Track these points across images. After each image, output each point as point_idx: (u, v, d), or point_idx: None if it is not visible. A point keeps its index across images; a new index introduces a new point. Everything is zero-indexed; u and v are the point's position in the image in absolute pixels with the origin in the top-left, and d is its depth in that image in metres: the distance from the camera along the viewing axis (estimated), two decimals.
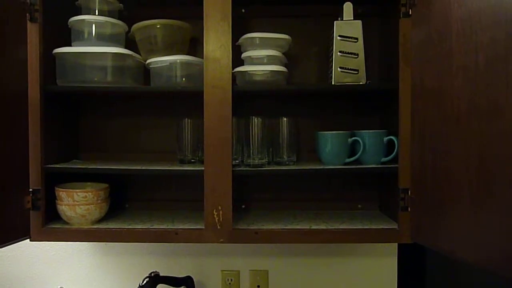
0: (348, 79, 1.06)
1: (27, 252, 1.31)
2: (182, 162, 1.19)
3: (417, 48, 0.96)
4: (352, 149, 1.10)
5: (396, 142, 1.03)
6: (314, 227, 1.05)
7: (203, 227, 1.02)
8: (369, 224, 1.07)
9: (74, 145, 1.27)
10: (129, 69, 1.11)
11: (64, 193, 1.04)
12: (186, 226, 1.05)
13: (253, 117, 1.07)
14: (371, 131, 1.09)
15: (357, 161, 1.10)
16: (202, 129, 1.01)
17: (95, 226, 1.06)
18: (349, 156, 1.09)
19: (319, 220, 1.12)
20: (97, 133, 1.29)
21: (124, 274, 1.31)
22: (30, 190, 1.01)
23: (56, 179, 1.09)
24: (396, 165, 1.01)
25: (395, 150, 1.03)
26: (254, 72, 1.06)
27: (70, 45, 1.09)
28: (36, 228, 1.03)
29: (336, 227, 1.04)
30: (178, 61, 1.09)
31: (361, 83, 1.06)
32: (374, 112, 1.24)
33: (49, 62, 1.05)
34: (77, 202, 1.04)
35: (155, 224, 1.08)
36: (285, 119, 1.14)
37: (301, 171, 1.07)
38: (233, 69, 1.05)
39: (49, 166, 1.05)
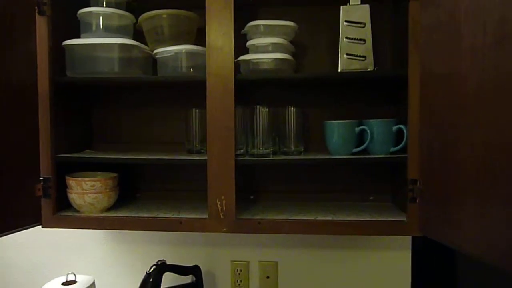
0: (355, 66, 1.02)
1: (41, 239, 1.36)
2: (190, 152, 1.19)
3: (426, 32, 0.91)
4: (361, 139, 1.07)
5: (405, 131, 0.99)
6: (320, 218, 1.02)
7: (207, 217, 1.02)
8: (378, 216, 1.04)
9: (88, 135, 1.30)
10: (136, 60, 1.12)
11: (73, 181, 1.07)
12: (191, 216, 1.06)
13: (258, 106, 1.06)
14: (379, 120, 1.05)
15: (365, 151, 1.06)
16: None
17: (103, 214, 1.08)
18: (357, 146, 1.06)
19: (327, 211, 1.10)
20: (110, 124, 1.31)
21: (134, 261, 1.33)
22: (41, 178, 1.05)
23: (68, 169, 1.12)
24: (405, 155, 0.97)
25: (404, 140, 0.99)
26: (258, 61, 1.05)
27: (79, 37, 1.11)
28: (47, 215, 1.06)
29: (342, 219, 1.01)
30: (183, 51, 1.09)
31: (368, 69, 1.02)
32: (384, 100, 1.19)
33: (59, 54, 1.08)
34: (86, 191, 1.07)
35: (161, 213, 1.09)
36: (292, 108, 1.11)
37: (305, 161, 1.04)
38: (238, 58, 1.05)
39: (60, 155, 1.08)
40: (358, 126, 1.05)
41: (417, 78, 0.94)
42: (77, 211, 1.10)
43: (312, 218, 1.02)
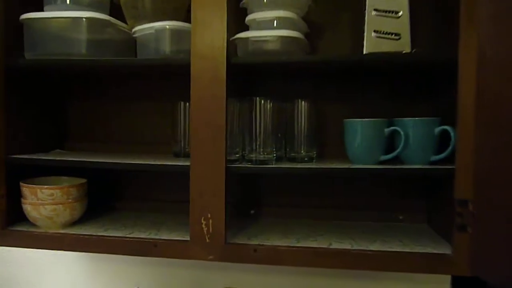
0: (386, 47, 0.77)
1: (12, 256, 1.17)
2: (176, 155, 0.97)
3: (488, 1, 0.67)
4: (391, 143, 0.82)
5: (452, 134, 0.74)
6: (334, 245, 0.78)
7: (189, 239, 0.80)
8: (411, 244, 0.79)
9: (61, 133, 1.09)
10: (110, 41, 0.91)
11: (27, 189, 0.86)
12: (171, 236, 0.83)
13: (259, 98, 0.82)
14: (417, 118, 0.80)
15: (396, 159, 0.82)
16: None
17: (62, 231, 0.87)
18: (386, 152, 0.81)
19: (345, 235, 0.86)
20: (87, 120, 1.10)
21: (114, 284, 1.12)
22: None
23: (33, 173, 0.91)
24: (451, 166, 0.72)
25: (451, 146, 0.74)
26: (259, 39, 0.81)
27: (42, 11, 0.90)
28: None
29: (364, 248, 0.77)
30: (167, 27, 0.86)
31: (404, 51, 0.77)
32: (423, 93, 0.94)
33: (17, 32, 0.87)
34: (42, 201, 0.86)
35: (135, 231, 0.87)
36: (302, 103, 0.88)
37: (315, 171, 0.80)
38: (235, 36, 0.82)
39: (13, 156, 0.88)
40: (388, 126, 0.81)
41: (472, 63, 0.69)
42: (34, 225, 0.89)
43: (324, 245, 0.79)
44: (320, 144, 0.97)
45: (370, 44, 0.78)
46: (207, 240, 0.79)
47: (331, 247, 0.78)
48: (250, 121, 0.82)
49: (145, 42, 0.90)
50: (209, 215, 0.78)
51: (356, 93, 0.98)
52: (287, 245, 0.79)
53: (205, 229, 0.79)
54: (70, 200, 0.88)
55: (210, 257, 0.79)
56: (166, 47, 0.88)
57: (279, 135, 0.89)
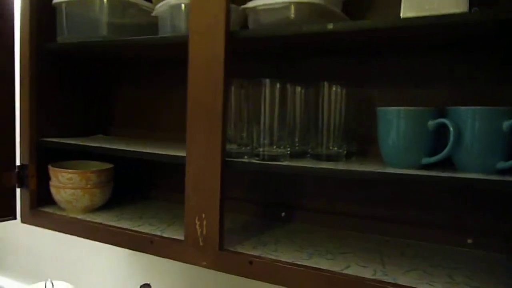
0: (429, 8, 0.56)
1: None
2: (230, 140, 0.88)
3: None
4: (438, 139, 0.60)
5: None
6: (350, 269, 0.61)
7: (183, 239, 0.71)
8: (482, 284, 0.57)
9: (105, 118, 1.10)
10: (133, 22, 0.87)
11: (52, 172, 0.88)
12: (176, 235, 0.76)
13: (268, 80, 0.68)
14: (476, 107, 0.56)
15: (447, 163, 0.60)
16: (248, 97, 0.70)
17: (80, 216, 0.86)
18: (431, 153, 0.60)
19: (376, 256, 0.67)
20: (133, 106, 1.09)
21: (117, 274, 1.10)
22: (18, 165, 0.88)
23: (72, 155, 0.93)
24: None
25: None
26: (269, 7, 0.67)
27: None
28: (24, 210, 0.89)
29: (389, 280, 0.58)
30: (182, 4, 0.78)
31: (455, 12, 0.55)
32: (483, 72, 0.68)
33: (50, 16, 0.89)
34: (63, 185, 0.86)
35: (146, 224, 0.82)
36: (326, 85, 0.70)
37: (331, 172, 0.63)
38: (245, 5, 0.70)
39: (43, 139, 0.90)
40: (434, 117, 0.59)
41: None
42: (60, 208, 0.91)
43: (338, 268, 0.62)
44: (362, 139, 0.79)
45: (408, 5, 0.57)
46: (201, 244, 0.69)
47: (344, 271, 0.61)
48: (258, 108, 0.69)
49: (164, 20, 0.82)
50: (203, 215, 0.68)
51: (395, 75, 0.76)
52: (291, 261, 0.64)
53: (199, 231, 0.69)
54: (89, 186, 0.87)
55: (204, 263, 0.69)
56: (182, 24, 0.79)
57: (301, 125, 0.74)
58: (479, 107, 0.56)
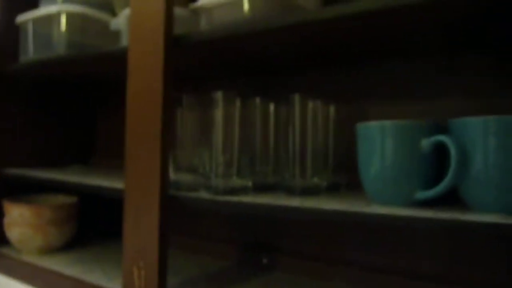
0: None
1: None
2: (177, 168, 0.76)
3: None
4: (437, 164, 0.43)
5: None
6: None
7: None
8: None
9: (87, 146, 1.01)
10: (96, 38, 0.78)
11: (5, 206, 0.78)
12: (114, 284, 0.62)
13: (219, 93, 0.54)
14: (490, 117, 0.39)
15: (453, 197, 0.42)
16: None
17: (30, 259, 0.75)
18: (428, 184, 0.43)
19: None
20: (116, 134, 0.99)
21: None
22: None
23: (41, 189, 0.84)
24: None
25: None
26: (217, 4, 0.54)
27: None
28: None
29: None
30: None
31: None
32: (494, 78, 0.50)
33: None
34: (13, 221, 0.76)
35: (98, 270, 0.69)
36: (297, 99, 0.56)
37: (288, 210, 0.47)
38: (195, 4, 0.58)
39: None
40: (430, 133, 0.42)
41: None
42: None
43: None
44: (355, 167, 0.62)
45: None
46: None
47: None
48: (210, 128, 0.55)
49: (122, 35, 0.73)
50: (141, 264, 0.54)
51: (384, 81, 0.59)
52: None
53: (137, 283, 0.55)
54: (42, 223, 0.76)
55: None
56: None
57: (273, 152, 0.59)
58: (494, 116, 0.39)
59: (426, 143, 0.42)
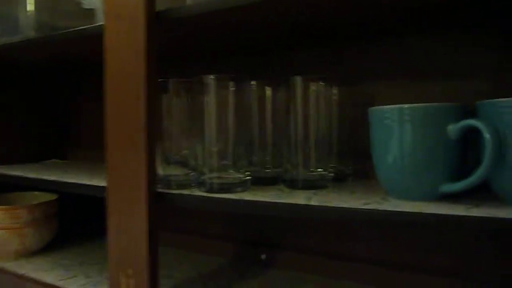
0: None
1: None
2: (166, 162, 0.69)
3: None
4: (464, 153, 0.38)
5: None
6: None
7: None
8: None
9: (64, 138, 0.93)
10: (63, 15, 0.70)
11: None
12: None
13: (211, 78, 0.48)
14: None
15: (481, 189, 0.37)
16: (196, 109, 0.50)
17: (6, 264, 0.68)
18: (454, 176, 0.37)
19: None
20: (94, 124, 0.92)
21: None
22: None
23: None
24: None
25: None
26: None
27: None
28: None
29: None
30: None
31: None
32: None
33: None
34: None
35: (81, 276, 0.63)
36: (299, 81, 0.49)
37: (293, 209, 0.41)
38: None
39: None
40: (457, 119, 0.37)
41: None
42: None
43: None
44: (361, 154, 0.57)
45: None
46: None
47: None
48: (201, 116, 0.49)
49: (97, 13, 0.65)
50: (130, 271, 0.48)
51: (425, 64, 0.54)
52: None
53: None
54: (17, 225, 0.69)
55: None
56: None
57: (270, 141, 0.53)
58: None
59: (453, 128, 0.37)
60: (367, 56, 0.58)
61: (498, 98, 0.35)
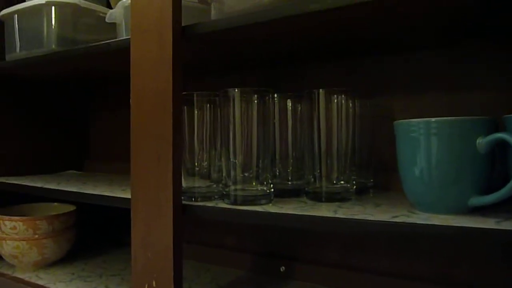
0: None
1: None
2: (189, 174, 0.69)
3: None
4: (492, 166, 0.38)
5: None
6: None
7: None
8: None
9: (81, 151, 0.94)
10: (85, 29, 0.71)
11: None
12: None
13: (235, 91, 0.49)
14: None
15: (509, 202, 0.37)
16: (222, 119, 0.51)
17: (25, 275, 0.69)
18: (483, 189, 0.38)
19: None
20: (110, 136, 0.93)
21: None
22: None
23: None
24: None
25: None
26: None
27: None
28: None
29: None
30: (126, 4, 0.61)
31: None
32: None
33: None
34: (5, 235, 0.69)
35: (102, 287, 0.63)
36: (322, 94, 0.50)
37: (321, 222, 0.41)
38: None
39: None
40: (486, 132, 0.37)
41: None
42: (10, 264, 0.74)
43: None
44: (382, 167, 0.57)
45: None
46: None
47: None
48: (226, 129, 0.49)
49: (119, 28, 0.66)
50: (154, 283, 0.48)
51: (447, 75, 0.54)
52: None
53: None
54: (37, 236, 0.69)
55: None
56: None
57: (292, 152, 0.54)
58: None
59: (482, 142, 0.37)
60: (383, 68, 0.59)
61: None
